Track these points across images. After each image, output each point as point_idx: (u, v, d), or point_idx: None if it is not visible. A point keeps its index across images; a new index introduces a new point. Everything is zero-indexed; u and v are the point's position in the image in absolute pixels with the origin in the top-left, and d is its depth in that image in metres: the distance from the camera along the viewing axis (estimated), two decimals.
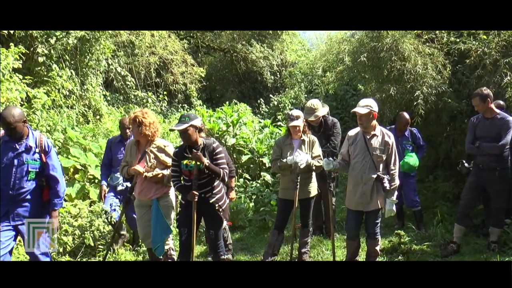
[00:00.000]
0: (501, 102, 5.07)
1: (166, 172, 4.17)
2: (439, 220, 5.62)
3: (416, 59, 5.74)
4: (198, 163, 3.89)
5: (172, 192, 4.36)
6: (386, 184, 4.04)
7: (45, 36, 6.69)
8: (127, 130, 5.06)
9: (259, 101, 13.35)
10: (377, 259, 4.79)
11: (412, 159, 5.60)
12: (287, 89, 12.99)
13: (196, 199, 3.91)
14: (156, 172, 4.13)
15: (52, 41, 6.68)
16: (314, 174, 4.72)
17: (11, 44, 5.85)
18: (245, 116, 9.69)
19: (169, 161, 4.17)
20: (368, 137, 4.16)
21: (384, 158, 4.14)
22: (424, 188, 7.09)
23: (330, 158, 4.28)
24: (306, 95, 11.90)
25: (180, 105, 11.90)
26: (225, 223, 4.62)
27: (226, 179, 4.07)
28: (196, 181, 3.91)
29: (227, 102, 11.19)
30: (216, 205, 4.03)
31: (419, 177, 7.55)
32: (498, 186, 4.64)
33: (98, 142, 6.74)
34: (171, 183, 4.15)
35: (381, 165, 4.13)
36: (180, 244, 4.16)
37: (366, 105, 4.10)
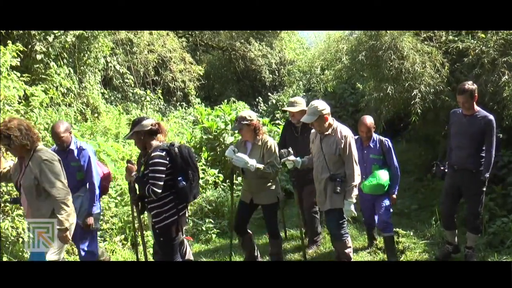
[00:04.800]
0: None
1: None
2: (437, 219, 5.63)
3: (414, 58, 5.74)
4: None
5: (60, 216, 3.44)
6: (337, 187, 3.91)
7: (43, 34, 6.67)
8: (61, 138, 4.08)
9: (257, 99, 13.34)
10: (375, 258, 4.82)
11: (374, 180, 4.49)
12: (285, 88, 13.00)
13: (134, 203, 3.93)
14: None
15: (50, 39, 6.67)
16: (276, 179, 4.49)
17: (8, 41, 5.84)
18: None
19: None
20: (322, 137, 4.08)
21: (338, 158, 3.99)
22: (422, 186, 7.10)
23: (291, 157, 4.17)
24: (304, 94, 11.90)
25: (179, 103, 11.90)
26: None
27: (151, 195, 3.52)
28: (133, 189, 3.89)
29: (226, 100, 11.19)
30: (156, 226, 3.70)
31: (417, 175, 7.58)
32: (473, 189, 4.32)
33: (96, 140, 6.73)
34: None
35: (335, 165, 4.01)
36: None
37: (313, 112, 3.95)
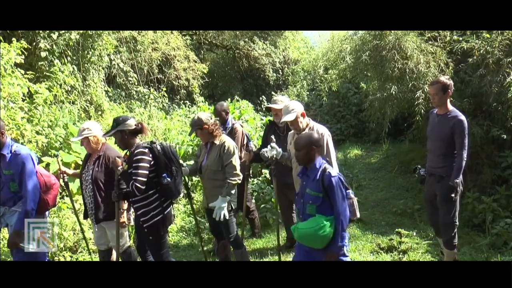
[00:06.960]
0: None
1: None
2: None
3: (418, 58, 5.72)
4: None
5: None
6: None
7: (47, 31, 6.69)
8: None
9: (261, 98, 13.35)
10: (377, 257, 4.81)
11: (313, 226, 3.07)
12: (289, 87, 12.98)
13: (116, 200, 3.71)
14: None
15: (55, 36, 6.68)
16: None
17: (13, 39, 5.86)
18: (247, 113, 9.69)
19: None
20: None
21: None
22: (425, 186, 7.06)
23: (273, 144, 4.04)
24: (308, 93, 11.91)
25: (182, 101, 11.91)
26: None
27: (135, 191, 3.50)
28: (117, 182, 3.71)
29: (229, 99, 11.19)
30: (144, 225, 3.68)
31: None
32: (442, 195, 4.02)
33: None
34: None
35: None
36: None
37: (287, 111, 3.91)
